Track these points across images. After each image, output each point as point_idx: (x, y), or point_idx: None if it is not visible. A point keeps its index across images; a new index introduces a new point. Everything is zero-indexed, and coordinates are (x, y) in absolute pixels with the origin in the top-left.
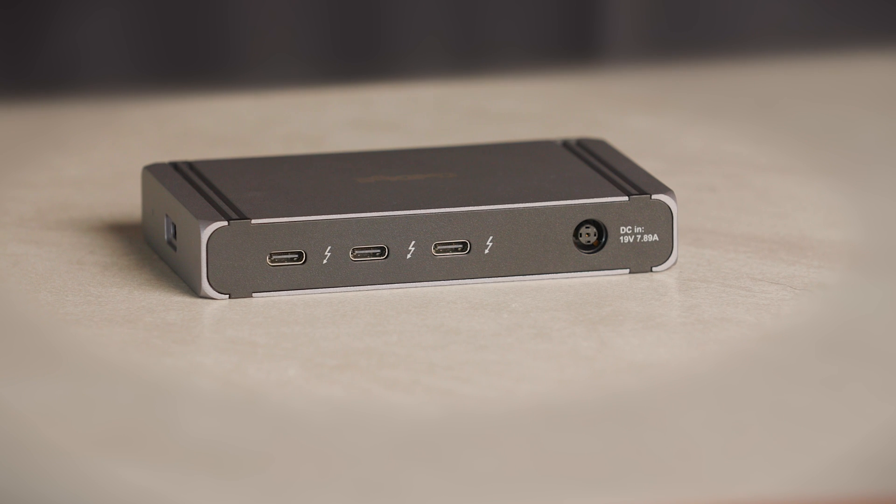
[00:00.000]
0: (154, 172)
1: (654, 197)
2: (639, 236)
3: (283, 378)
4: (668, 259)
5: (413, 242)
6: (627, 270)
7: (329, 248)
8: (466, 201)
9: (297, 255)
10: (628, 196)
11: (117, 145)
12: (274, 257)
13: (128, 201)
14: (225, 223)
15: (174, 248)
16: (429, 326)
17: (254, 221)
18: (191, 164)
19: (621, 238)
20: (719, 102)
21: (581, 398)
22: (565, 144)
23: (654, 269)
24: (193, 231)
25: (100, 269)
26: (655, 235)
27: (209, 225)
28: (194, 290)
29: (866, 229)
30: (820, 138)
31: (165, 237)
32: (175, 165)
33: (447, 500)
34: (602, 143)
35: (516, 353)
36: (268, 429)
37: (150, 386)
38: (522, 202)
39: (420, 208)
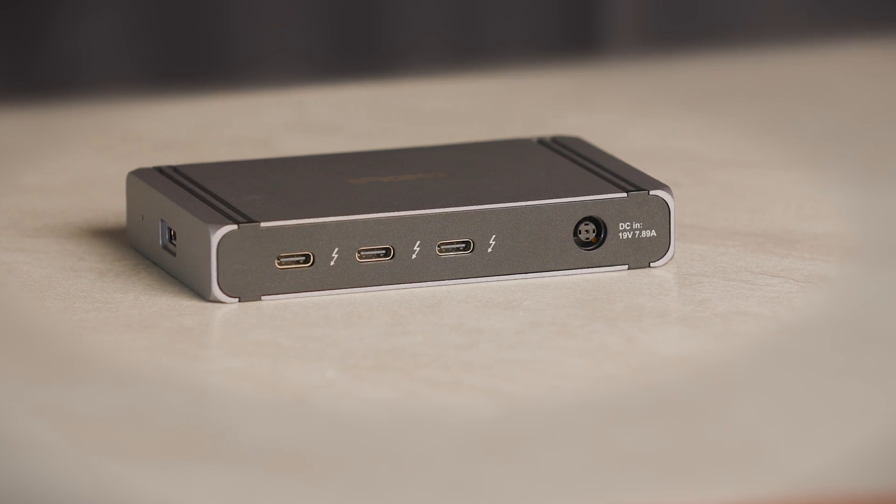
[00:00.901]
0: (142, 177)
1: (651, 193)
2: (637, 232)
3: (323, 380)
4: (665, 255)
5: (418, 242)
6: (626, 266)
7: (336, 249)
8: (470, 200)
9: (304, 258)
10: (627, 192)
11: (61, 151)
12: (282, 260)
13: (97, 207)
14: (235, 227)
15: (172, 253)
16: (449, 326)
17: (263, 224)
18: (176, 168)
19: (620, 234)
20: (649, 98)
21: (629, 394)
22: (541, 142)
23: (651, 264)
24: (201, 235)
25: (96, 275)
26: (653, 231)
27: (219, 229)
28: (201, 295)
29: (843, 220)
30: (763, 131)
31: (160, 242)
32: (160, 170)
33: (535, 499)
34: (579, 141)
35: (546, 351)
36: (329, 431)
37: (194, 391)
38: (525, 200)
39: (425, 208)
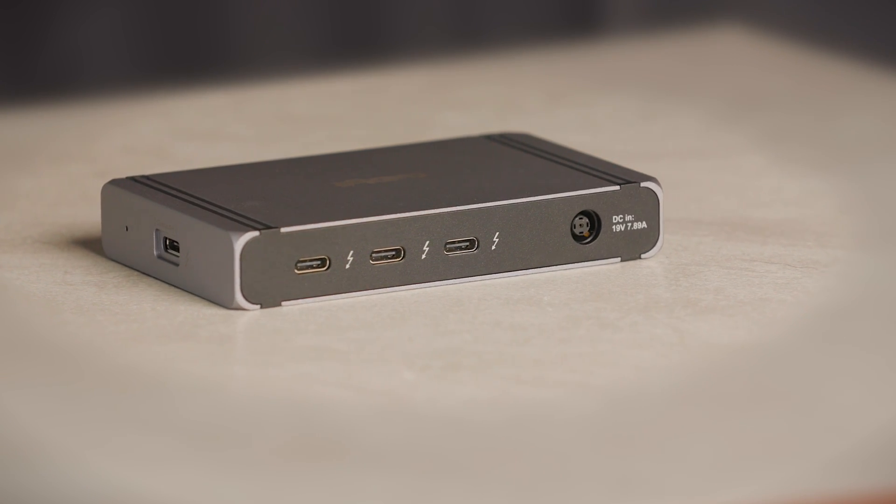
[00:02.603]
0: (122, 187)
1: (642, 185)
2: (629, 224)
3: (406, 381)
4: (654, 246)
5: (427, 242)
6: (619, 259)
7: (351, 252)
8: (475, 198)
9: (320, 262)
10: (619, 185)
11: None
12: (300, 265)
13: (33, 220)
14: (256, 233)
15: (172, 262)
16: (487, 324)
17: (283, 230)
18: (148, 178)
19: (613, 227)
20: (505, 95)
21: (714, 382)
22: (492, 139)
23: (642, 256)
24: (220, 243)
25: (97, 288)
26: (644, 223)
27: (241, 235)
28: (219, 302)
29: (793, 206)
30: (635, 120)
31: (155, 253)
32: (135, 179)
33: (705, 490)
34: (530, 136)
35: (604, 344)
36: (453, 433)
37: (286, 398)
38: (526, 196)
39: (435, 207)
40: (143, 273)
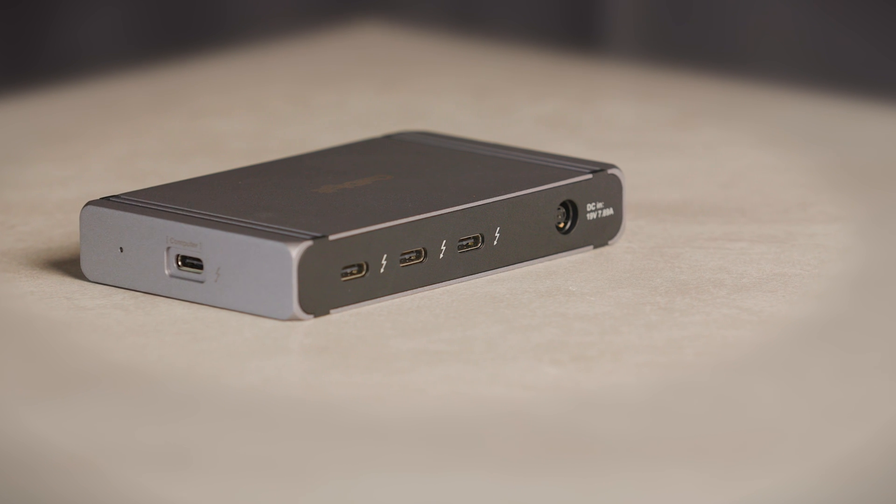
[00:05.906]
0: (109, 207)
1: (609, 172)
2: (600, 212)
3: (556, 376)
4: (618, 231)
5: (444, 241)
6: (591, 246)
7: (385, 256)
8: (479, 195)
9: (358, 268)
10: (592, 174)
11: None
12: (343, 272)
13: None
14: (310, 243)
15: (192, 280)
16: (556, 316)
17: (331, 237)
18: (120, 197)
19: (588, 215)
20: (254, 98)
21: (844, 351)
22: (394, 138)
23: (609, 242)
24: (273, 255)
25: (119, 311)
26: (611, 209)
27: (297, 246)
28: (268, 315)
29: (672, 186)
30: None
31: (167, 271)
32: (109, 199)
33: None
34: (433, 133)
35: (692, 327)
36: (666, 421)
37: (463, 403)
38: (520, 190)
39: (446, 207)
40: (148, 293)
